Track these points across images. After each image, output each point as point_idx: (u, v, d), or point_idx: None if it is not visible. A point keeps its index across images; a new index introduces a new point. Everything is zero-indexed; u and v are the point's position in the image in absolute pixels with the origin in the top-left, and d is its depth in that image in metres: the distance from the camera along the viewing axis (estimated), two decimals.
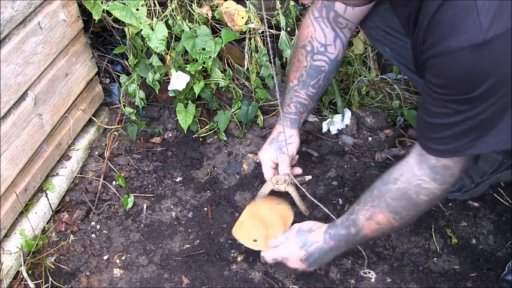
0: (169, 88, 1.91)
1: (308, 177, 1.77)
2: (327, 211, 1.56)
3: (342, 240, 1.39)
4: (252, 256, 1.62)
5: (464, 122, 1.07)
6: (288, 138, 1.61)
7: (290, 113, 1.63)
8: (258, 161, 1.76)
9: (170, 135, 2.04)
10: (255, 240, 1.53)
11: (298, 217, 1.70)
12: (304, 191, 1.57)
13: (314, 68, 1.57)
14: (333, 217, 1.59)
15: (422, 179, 1.21)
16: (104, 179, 1.85)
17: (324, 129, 2.02)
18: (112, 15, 1.77)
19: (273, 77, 2.02)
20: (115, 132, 2.01)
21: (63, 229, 1.73)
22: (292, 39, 1.90)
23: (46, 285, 1.56)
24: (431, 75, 1.06)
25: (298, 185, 1.62)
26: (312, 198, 1.57)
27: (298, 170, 1.71)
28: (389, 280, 1.55)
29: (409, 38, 1.18)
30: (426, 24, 1.01)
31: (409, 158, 1.24)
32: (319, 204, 1.58)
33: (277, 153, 1.63)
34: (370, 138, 1.99)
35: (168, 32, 1.80)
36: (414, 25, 1.08)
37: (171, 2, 1.85)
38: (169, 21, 1.84)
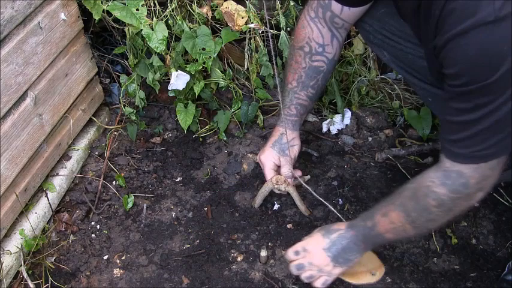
0: (169, 88, 1.91)
1: (307, 177, 1.78)
2: (330, 207, 1.58)
3: (359, 233, 1.37)
4: (252, 256, 1.62)
5: (483, 120, 1.02)
6: (290, 140, 1.61)
7: (291, 115, 1.63)
8: (257, 161, 1.76)
9: (170, 135, 2.04)
10: None
11: (298, 217, 1.71)
12: (309, 188, 1.58)
13: (313, 69, 1.56)
14: (336, 212, 1.61)
15: (432, 181, 1.18)
16: (104, 179, 1.85)
17: (324, 129, 2.02)
18: (112, 15, 1.77)
19: (273, 77, 2.01)
20: (115, 132, 2.01)
21: (63, 229, 1.73)
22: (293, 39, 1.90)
23: (46, 285, 1.56)
24: (447, 67, 1.02)
25: (304, 184, 1.63)
26: (316, 195, 1.59)
27: (298, 172, 1.72)
28: (389, 280, 1.55)
29: (415, 33, 1.12)
30: (438, 14, 0.99)
31: None
32: (323, 200, 1.62)
33: (280, 155, 1.63)
34: (370, 138, 1.99)
35: (168, 32, 1.80)
36: (426, 17, 1.05)
37: (171, 2, 1.85)
38: (169, 21, 1.84)
